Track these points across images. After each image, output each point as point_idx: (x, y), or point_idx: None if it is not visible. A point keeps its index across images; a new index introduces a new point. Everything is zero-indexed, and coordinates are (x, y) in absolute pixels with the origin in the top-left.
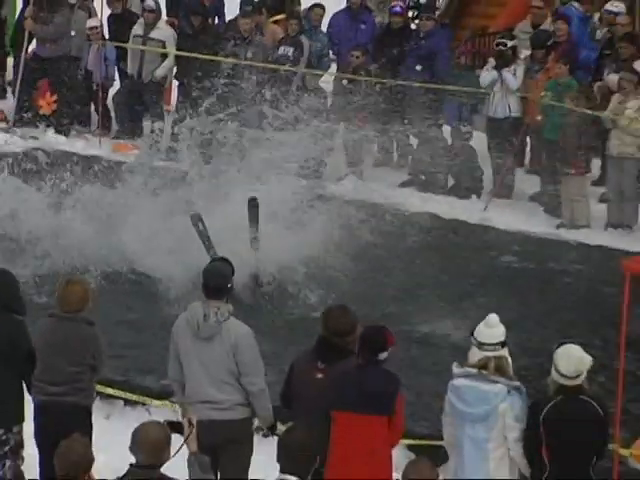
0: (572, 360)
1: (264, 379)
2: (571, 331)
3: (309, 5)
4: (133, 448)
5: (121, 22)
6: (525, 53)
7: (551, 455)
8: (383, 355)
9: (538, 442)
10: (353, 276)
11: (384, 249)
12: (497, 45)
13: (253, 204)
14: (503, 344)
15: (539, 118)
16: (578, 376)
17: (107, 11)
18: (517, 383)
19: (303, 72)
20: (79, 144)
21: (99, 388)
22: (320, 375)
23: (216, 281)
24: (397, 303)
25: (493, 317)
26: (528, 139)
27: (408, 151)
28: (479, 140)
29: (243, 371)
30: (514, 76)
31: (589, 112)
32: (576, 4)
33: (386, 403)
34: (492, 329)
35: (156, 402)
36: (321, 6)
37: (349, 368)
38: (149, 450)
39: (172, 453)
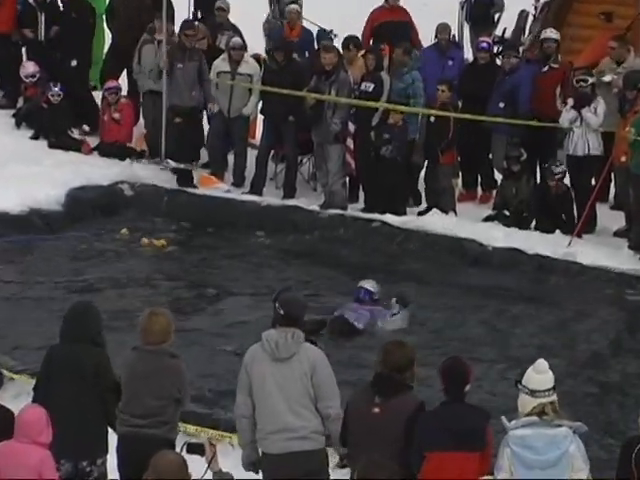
0: None
1: (340, 404)
2: None
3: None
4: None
5: (208, 59)
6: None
7: None
8: (467, 387)
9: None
10: None
11: None
12: (577, 82)
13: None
14: (554, 388)
15: (623, 159)
16: None
17: None
18: (578, 423)
19: (385, 107)
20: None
21: (181, 425)
22: (377, 410)
23: (295, 310)
24: None
25: (542, 362)
26: (612, 175)
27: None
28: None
29: (319, 394)
30: (595, 114)
31: None
32: None
33: (479, 438)
34: (542, 375)
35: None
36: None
37: (408, 404)
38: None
39: (200, 476)
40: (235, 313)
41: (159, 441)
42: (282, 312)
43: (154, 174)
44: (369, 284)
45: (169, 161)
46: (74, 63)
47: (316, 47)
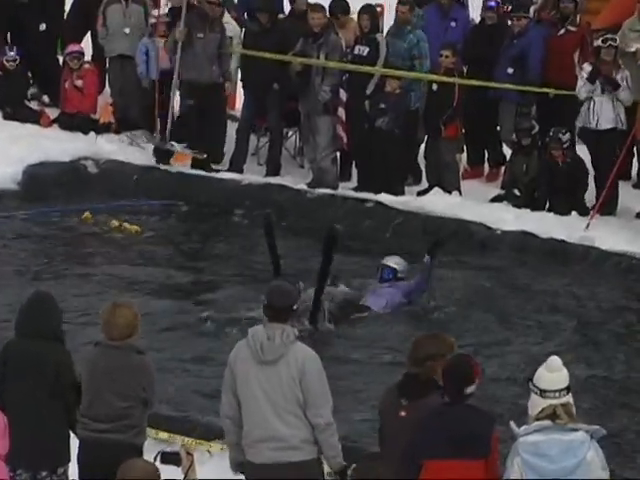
0: None
1: (331, 412)
2: None
3: None
4: None
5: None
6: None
7: None
8: (470, 389)
9: None
10: None
11: None
12: (605, 41)
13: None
14: (568, 389)
15: None
16: None
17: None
18: (595, 427)
19: (381, 73)
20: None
21: (150, 432)
22: (403, 413)
23: (282, 302)
24: None
25: (555, 360)
26: (635, 150)
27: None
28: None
29: (309, 401)
30: (628, 88)
31: None
32: None
33: (481, 445)
34: (555, 373)
35: (217, 446)
36: None
37: (433, 406)
38: None
39: None
40: (225, 305)
41: (124, 447)
42: (266, 302)
43: (121, 149)
44: (393, 261)
45: (174, 144)
46: (43, 27)
47: (288, 7)
